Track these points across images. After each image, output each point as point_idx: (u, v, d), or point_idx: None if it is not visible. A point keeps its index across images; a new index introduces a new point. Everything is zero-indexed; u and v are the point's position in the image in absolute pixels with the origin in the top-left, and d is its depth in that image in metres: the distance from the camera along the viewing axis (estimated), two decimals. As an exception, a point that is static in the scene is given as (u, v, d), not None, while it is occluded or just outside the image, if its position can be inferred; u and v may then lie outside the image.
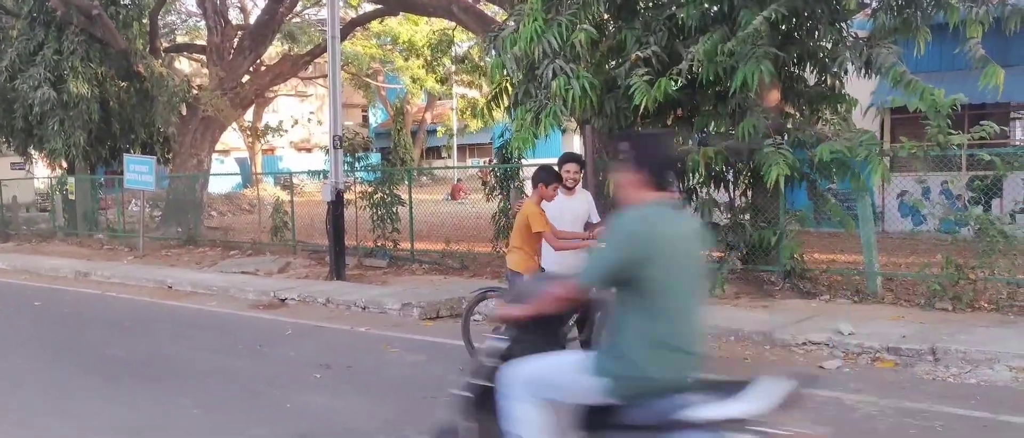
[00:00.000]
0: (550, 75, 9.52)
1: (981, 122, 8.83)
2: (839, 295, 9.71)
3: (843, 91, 10.68)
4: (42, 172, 28.45)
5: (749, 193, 10.64)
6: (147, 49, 21.31)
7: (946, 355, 6.98)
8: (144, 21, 21.99)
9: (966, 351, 6.92)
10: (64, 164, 22.20)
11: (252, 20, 27.82)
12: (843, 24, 10.05)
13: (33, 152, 23.67)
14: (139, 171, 17.76)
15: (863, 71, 9.84)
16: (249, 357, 8.31)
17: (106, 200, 22.29)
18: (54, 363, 8.16)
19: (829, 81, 10.70)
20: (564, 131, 12.12)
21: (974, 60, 8.84)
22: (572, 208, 6.84)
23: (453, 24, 21.30)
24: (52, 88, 19.71)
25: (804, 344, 7.69)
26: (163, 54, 22.88)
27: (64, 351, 8.75)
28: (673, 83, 9.06)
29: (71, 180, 21.62)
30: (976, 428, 5.44)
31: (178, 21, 34.40)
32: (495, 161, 18.04)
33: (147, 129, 22.32)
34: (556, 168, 6.75)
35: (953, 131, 8.95)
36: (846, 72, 10.36)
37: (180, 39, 33.29)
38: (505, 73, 10.39)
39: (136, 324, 10.43)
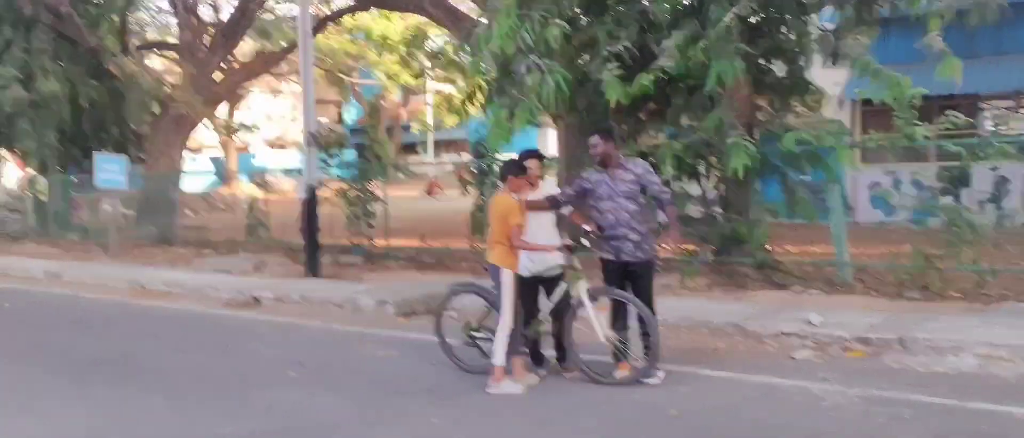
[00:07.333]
0: (524, 71, 9.53)
1: (946, 113, 8.93)
2: (811, 286, 9.78)
3: (810, 83, 10.76)
4: (12, 172, 28.11)
5: (721, 186, 10.70)
6: (118, 47, 21.07)
7: (914, 344, 7.06)
8: (114, 19, 21.73)
9: (934, 340, 7.00)
10: (37, 165, 21.93)
11: (224, 17, 27.57)
12: (808, 17, 10.13)
13: (3, 153, 23.34)
14: (110, 169, 17.54)
15: (830, 61, 9.93)
16: (222, 355, 8.27)
17: (78, 200, 22.04)
18: (23, 364, 8.08)
19: (798, 74, 10.78)
20: (538, 126, 12.13)
21: (932, 53, 8.91)
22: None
23: (426, 19, 21.28)
24: (23, 88, 19.47)
25: (776, 335, 7.74)
26: (134, 52, 22.60)
27: (33, 352, 8.65)
28: (651, 80, 9.07)
29: (42, 180, 21.34)
30: (943, 415, 5.52)
31: (148, 18, 34.01)
32: (471, 157, 18.05)
33: (119, 128, 22.07)
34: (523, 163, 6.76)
35: (920, 123, 9.06)
36: (810, 64, 10.45)
37: (151, 36, 32.93)
38: (483, 69, 10.34)
39: (108, 324, 10.34)
